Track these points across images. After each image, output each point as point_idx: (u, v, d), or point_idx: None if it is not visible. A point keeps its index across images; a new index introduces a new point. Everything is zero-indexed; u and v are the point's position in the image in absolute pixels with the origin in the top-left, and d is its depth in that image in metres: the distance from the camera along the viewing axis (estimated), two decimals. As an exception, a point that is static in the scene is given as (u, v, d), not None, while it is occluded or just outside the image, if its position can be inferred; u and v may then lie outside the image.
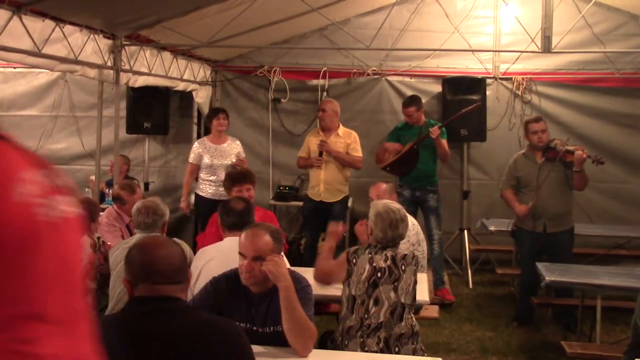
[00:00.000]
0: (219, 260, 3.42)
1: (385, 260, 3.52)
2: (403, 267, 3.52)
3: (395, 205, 3.78)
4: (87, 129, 8.30)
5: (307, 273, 3.36)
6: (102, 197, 6.80)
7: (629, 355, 3.33)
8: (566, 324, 5.83)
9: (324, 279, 3.71)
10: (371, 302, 3.45)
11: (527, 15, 7.18)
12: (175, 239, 2.62)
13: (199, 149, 6.75)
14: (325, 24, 7.60)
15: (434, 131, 6.41)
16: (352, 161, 6.62)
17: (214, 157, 6.66)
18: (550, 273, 4.79)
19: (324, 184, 6.56)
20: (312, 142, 6.65)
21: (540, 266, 5.03)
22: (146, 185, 8.02)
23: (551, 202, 5.63)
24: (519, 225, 5.90)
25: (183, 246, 2.98)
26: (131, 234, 4.93)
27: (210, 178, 6.64)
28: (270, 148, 8.17)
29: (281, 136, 8.22)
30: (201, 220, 6.46)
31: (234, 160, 6.67)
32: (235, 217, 3.73)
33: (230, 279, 3.07)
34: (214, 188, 6.60)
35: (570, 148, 5.48)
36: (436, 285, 6.50)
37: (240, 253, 2.99)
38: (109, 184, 6.79)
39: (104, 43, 5.67)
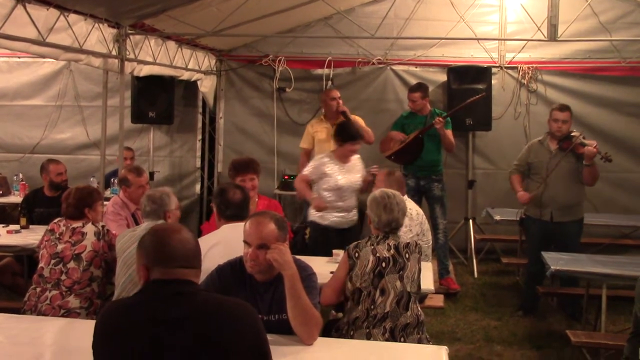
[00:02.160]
0: (222, 247, 3.43)
1: (389, 250, 3.51)
2: (407, 256, 3.52)
3: (392, 191, 3.77)
4: (92, 119, 8.34)
5: (312, 262, 3.35)
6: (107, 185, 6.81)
7: (630, 344, 3.33)
8: (571, 313, 5.84)
9: (338, 296, 3.65)
10: (377, 292, 3.44)
11: (533, 3, 7.17)
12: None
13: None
14: (330, 12, 7.59)
15: (438, 121, 6.39)
16: (367, 130, 6.49)
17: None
18: (555, 262, 4.78)
19: None
20: (317, 131, 6.60)
21: (546, 255, 5.02)
22: (151, 174, 8.03)
23: (559, 192, 5.61)
24: (527, 214, 5.89)
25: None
26: (137, 223, 4.94)
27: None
28: (275, 137, 8.16)
29: (286, 125, 8.21)
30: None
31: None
32: (234, 209, 3.73)
33: (235, 267, 3.08)
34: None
35: (585, 141, 5.46)
36: (441, 274, 6.50)
37: (244, 241, 2.99)
38: (114, 174, 6.79)
39: (109, 32, 5.66)
